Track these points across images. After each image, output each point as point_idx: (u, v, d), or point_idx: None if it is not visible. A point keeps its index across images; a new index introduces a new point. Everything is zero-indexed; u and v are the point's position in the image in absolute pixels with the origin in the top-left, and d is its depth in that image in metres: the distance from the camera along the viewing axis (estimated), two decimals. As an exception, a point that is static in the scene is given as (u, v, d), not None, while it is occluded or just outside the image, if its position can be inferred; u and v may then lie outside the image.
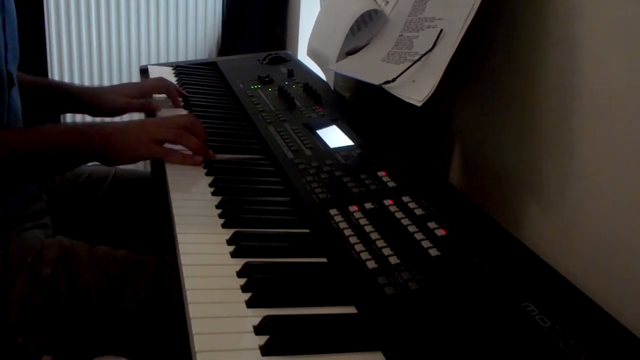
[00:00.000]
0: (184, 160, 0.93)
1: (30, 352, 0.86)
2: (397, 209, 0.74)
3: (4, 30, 0.89)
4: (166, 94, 1.22)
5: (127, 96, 1.19)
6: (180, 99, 1.23)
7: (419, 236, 0.69)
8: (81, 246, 0.93)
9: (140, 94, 1.21)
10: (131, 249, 0.96)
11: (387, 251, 0.66)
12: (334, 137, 0.99)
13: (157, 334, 0.87)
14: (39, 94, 1.07)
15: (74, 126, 0.91)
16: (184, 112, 1.18)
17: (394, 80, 0.88)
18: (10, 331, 0.84)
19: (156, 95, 1.25)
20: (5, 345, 0.84)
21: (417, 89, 0.84)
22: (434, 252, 0.66)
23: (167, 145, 0.93)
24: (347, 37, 1.05)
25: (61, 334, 0.87)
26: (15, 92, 0.94)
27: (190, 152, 0.94)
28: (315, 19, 1.20)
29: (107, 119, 1.20)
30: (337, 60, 1.07)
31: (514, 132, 0.82)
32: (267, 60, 1.49)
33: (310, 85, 1.23)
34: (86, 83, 2.17)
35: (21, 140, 0.85)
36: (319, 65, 1.21)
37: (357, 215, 0.74)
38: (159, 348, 0.88)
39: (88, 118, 1.32)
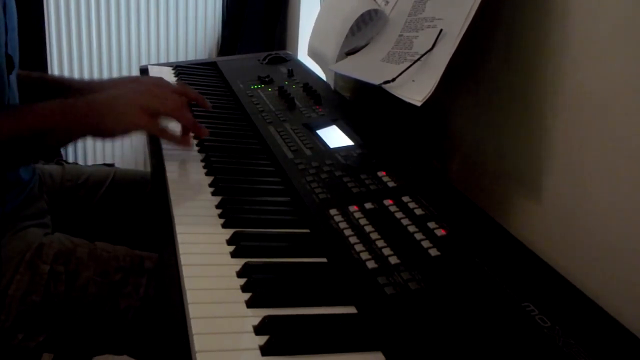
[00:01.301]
0: (176, 141, 0.94)
1: (30, 350, 0.86)
2: (397, 209, 0.74)
3: (4, 14, 0.89)
4: None
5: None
6: None
7: (419, 236, 0.69)
8: (80, 243, 0.93)
9: None
10: (131, 247, 0.96)
11: (387, 251, 0.66)
12: (334, 137, 0.99)
13: (157, 333, 0.87)
14: (32, 89, 1.07)
15: (63, 103, 0.88)
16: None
17: (393, 80, 0.88)
18: (9, 328, 0.84)
19: None
20: (5, 343, 0.85)
21: (417, 89, 0.84)
22: (434, 252, 0.66)
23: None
24: (347, 37, 1.05)
25: (61, 331, 0.87)
26: (14, 78, 0.94)
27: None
28: (315, 19, 1.20)
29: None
30: (337, 60, 1.07)
31: (514, 132, 0.82)
32: (267, 60, 1.48)
33: (310, 85, 1.23)
34: (86, 83, 2.17)
35: (11, 121, 0.83)
36: (319, 65, 1.21)
37: (357, 215, 0.74)
38: (159, 347, 0.88)
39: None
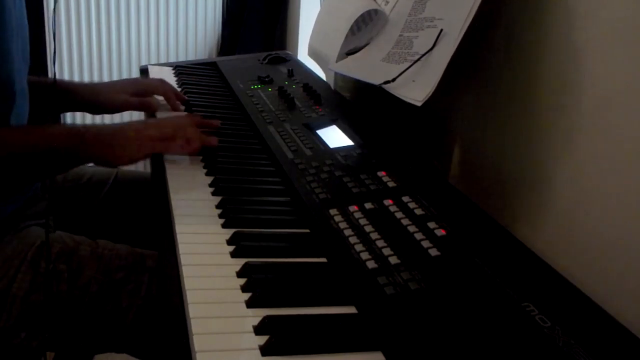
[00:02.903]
0: (182, 149, 0.93)
1: (32, 349, 0.86)
2: (397, 209, 0.74)
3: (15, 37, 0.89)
4: (164, 97, 1.21)
5: (125, 93, 1.18)
6: (180, 103, 1.22)
7: (419, 236, 0.69)
8: (82, 241, 0.93)
9: (139, 90, 1.21)
10: (132, 246, 0.96)
11: (387, 251, 0.66)
12: (334, 137, 0.99)
13: (157, 332, 0.87)
14: (38, 94, 1.08)
15: (73, 128, 0.91)
16: (182, 114, 1.18)
17: (393, 80, 0.88)
18: (12, 328, 0.84)
19: (155, 96, 1.24)
20: (8, 342, 0.85)
21: (417, 89, 0.84)
22: (434, 252, 0.66)
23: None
24: (347, 37, 1.05)
25: (63, 330, 0.87)
26: (22, 99, 0.95)
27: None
28: (315, 19, 1.20)
29: (107, 116, 1.19)
30: (337, 60, 1.07)
31: (514, 132, 0.82)
32: (267, 60, 1.49)
33: (310, 85, 1.23)
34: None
35: (21, 139, 0.86)
36: (319, 65, 1.21)
37: (357, 215, 0.74)
38: (159, 347, 0.88)
39: (87, 116, 1.32)
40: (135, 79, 1.36)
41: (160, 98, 1.22)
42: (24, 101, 0.95)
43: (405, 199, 0.76)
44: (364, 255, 0.66)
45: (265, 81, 1.32)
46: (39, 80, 1.09)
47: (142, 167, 2.27)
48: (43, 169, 0.90)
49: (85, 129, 0.92)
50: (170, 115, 1.15)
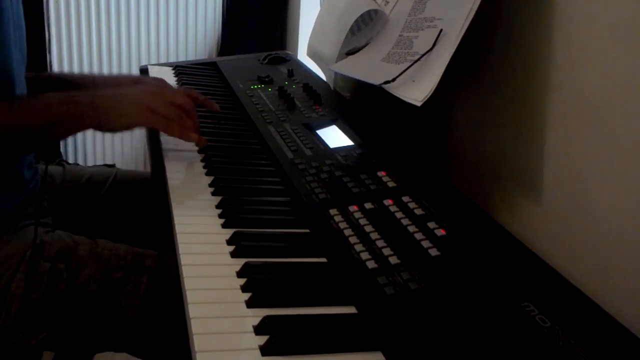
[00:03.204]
0: (181, 134, 0.92)
1: (30, 348, 0.86)
2: (397, 209, 0.74)
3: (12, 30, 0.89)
4: None
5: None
6: None
7: (419, 236, 0.69)
8: (81, 241, 0.93)
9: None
10: (132, 246, 0.96)
11: (387, 251, 0.66)
12: (334, 137, 0.99)
13: (157, 332, 0.87)
14: (40, 89, 1.07)
15: (69, 96, 0.89)
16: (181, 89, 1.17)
17: (393, 80, 0.88)
18: (10, 327, 0.84)
19: None
20: (6, 341, 0.85)
21: (417, 89, 0.84)
22: (434, 252, 0.66)
23: None
24: (347, 37, 1.05)
25: (62, 329, 0.87)
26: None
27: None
28: (315, 19, 1.20)
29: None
30: (337, 60, 1.07)
31: (513, 132, 0.82)
32: (267, 60, 1.49)
33: (310, 85, 1.23)
34: (86, 83, 2.17)
35: (14, 115, 0.84)
36: (319, 65, 1.21)
37: (357, 215, 0.74)
38: (159, 346, 0.89)
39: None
40: (138, 76, 1.35)
41: None
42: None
43: (405, 199, 0.76)
44: (364, 255, 0.66)
45: (265, 81, 1.32)
46: (38, 76, 1.09)
47: (142, 167, 2.28)
48: (38, 138, 0.89)
49: (80, 96, 0.90)
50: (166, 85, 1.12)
